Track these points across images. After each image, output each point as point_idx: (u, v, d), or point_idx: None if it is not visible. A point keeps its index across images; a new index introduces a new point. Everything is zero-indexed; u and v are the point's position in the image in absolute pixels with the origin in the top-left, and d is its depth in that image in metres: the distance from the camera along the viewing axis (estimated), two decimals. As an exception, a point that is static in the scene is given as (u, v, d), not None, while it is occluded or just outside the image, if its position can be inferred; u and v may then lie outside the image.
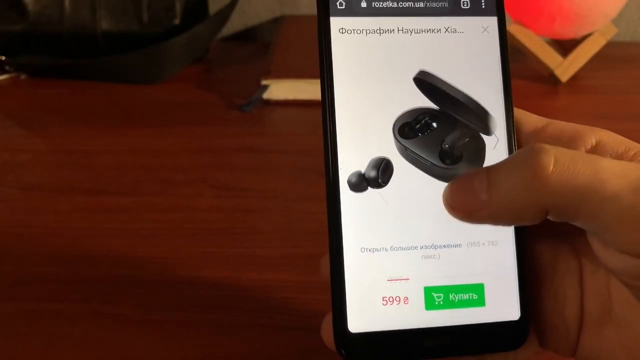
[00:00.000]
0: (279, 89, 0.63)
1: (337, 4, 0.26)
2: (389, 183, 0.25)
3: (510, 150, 0.25)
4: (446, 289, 0.25)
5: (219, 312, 0.35)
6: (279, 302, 0.36)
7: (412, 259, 0.25)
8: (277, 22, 0.86)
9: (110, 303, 0.36)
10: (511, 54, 0.27)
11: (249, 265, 0.39)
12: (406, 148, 0.25)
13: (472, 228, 0.23)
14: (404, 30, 0.26)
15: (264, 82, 0.63)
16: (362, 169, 0.25)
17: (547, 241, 0.26)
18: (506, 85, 0.26)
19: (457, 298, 0.25)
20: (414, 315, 0.25)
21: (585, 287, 0.25)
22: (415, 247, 0.25)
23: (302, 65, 0.65)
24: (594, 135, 0.24)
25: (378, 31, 0.26)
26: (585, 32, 0.69)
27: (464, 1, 0.26)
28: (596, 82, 0.69)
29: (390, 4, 0.26)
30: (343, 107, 0.25)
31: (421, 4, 0.26)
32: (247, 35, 0.90)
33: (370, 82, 0.26)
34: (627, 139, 0.24)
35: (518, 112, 0.26)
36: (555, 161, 0.21)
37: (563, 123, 0.25)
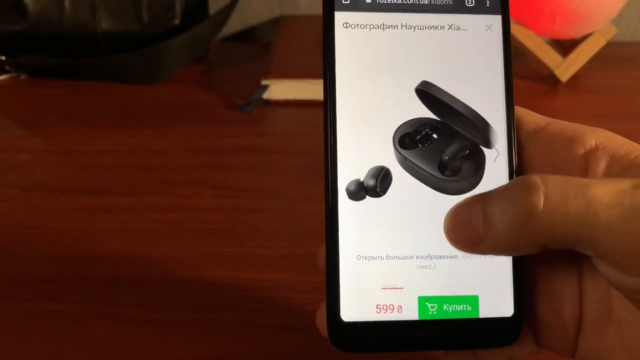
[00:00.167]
0: (279, 89, 0.63)
1: None
2: (387, 192, 0.25)
3: (510, 164, 0.25)
4: (440, 300, 0.25)
5: (219, 312, 0.35)
6: (279, 302, 0.36)
7: (407, 269, 0.25)
8: (277, 22, 0.86)
9: (110, 303, 0.36)
10: (511, 53, 0.27)
11: (249, 265, 0.39)
12: (406, 158, 0.25)
13: None
14: (407, 26, 0.26)
15: (264, 82, 0.63)
16: (361, 177, 0.25)
17: None
18: (508, 86, 0.26)
19: (450, 309, 0.25)
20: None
21: (585, 288, 0.25)
22: (411, 257, 0.25)
23: (302, 65, 0.65)
24: (594, 136, 0.24)
25: (381, 26, 0.26)
26: (585, 32, 0.69)
27: None
28: (596, 82, 0.69)
29: (395, 0, 0.26)
30: (344, 109, 0.25)
31: (425, 1, 0.26)
32: (247, 35, 0.90)
33: (372, 82, 0.26)
34: (628, 141, 0.24)
35: (520, 111, 0.26)
36: (546, 198, 0.20)
37: (565, 123, 0.25)
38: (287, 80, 0.63)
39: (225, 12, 0.74)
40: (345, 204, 0.25)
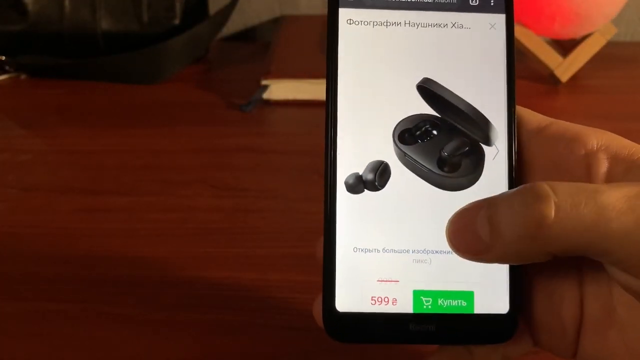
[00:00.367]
0: (279, 89, 0.63)
1: None
2: (386, 187, 0.25)
3: (509, 163, 0.25)
4: (435, 294, 0.25)
5: (219, 312, 0.35)
6: (279, 302, 0.36)
7: (403, 262, 0.25)
8: (277, 22, 0.86)
9: (110, 303, 0.36)
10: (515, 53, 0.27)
11: (249, 265, 0.39)
12: (405, 154, 0.25)
13: None
14: (410, 24, 0.26)
15: (264, 82, 0.63)
16: (360, 171, 0.25)
17: None
18: (510, 85, 0.26)
19: (445, 303, 0.25)
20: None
21: (585, 289, 0.25)
22: (407, 251, 0.25)
23: (302, 65, 0.65)
24: (596, 137, 0.24)
25: (385, 23, 0.26)
26: (585, 32, 0.69)
27: None
28: (596, 82, 0.69)
29: None
30: (346, 104, 0.26)
31: None
32: (247, 35, 0.90)
33: (374, 77, 0.26)
34: (630, 142, 0.24)
35: (521, 110, 0.26)
36: (557, 208, 0.20)
37: (567, 123, 0.25)
38: (287, 80, 0.63)
39: (225, 12, 0.74)
40: (343, 197, 0.25)
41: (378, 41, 0.26)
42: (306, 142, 0.54)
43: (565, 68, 0.67)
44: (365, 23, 0.26)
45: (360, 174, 0.25)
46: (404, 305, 0.25)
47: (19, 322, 0.34)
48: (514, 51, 0.26)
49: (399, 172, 0.25)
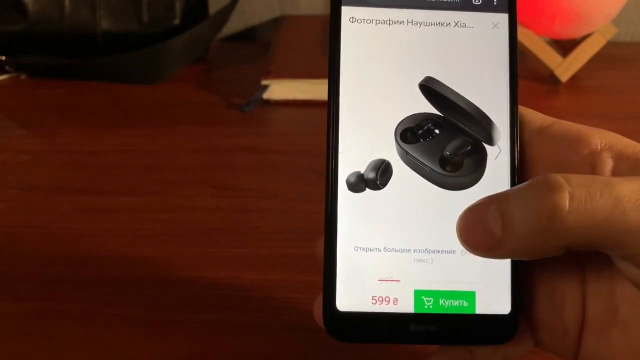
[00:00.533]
0: (279, 89, 0.63)
1: None
2: (388, 185, 0.25)
3: (512, 162, 0.25)
4: (436, 294, 0.25)
5: (219, 312, 0.35)
6: (279, 302, 0.36)
7: (404, 262, 0.25)
8: (277, 22, 0.86)
9: (110, 303, 0.36)
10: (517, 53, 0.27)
11: (249, 265, 0.39)
12: (407, 152, 0.25)
13: None
14: (413, 22, 0.26)
15: (264, 82, 0.63)
16: (362, 169, 0.25)
17: None
18: (512, 84, 0.26)
19: (447, 304, 0.25)
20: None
21: (588, 290, 0.25)
22: (409, 250, 0.25)
23: (302, 65, 0.65)
24: (599, 137, 0.24)
25: (387, 22, 0.26)
26: (585, 32, 0.69)
27: None
28: (596, 82, 0.69)
29: None
30: (348, 103, 0.26)
31: None
32: (247, 35, 0.90)
33: (376, 75, 0.26)
34: (633, 141, 0.24)
35: (524, 110, 0.26)
36: (571, 198, 0.20)
37: (569, 123, 0.25)
38: (287, 80, 0.63)
39: (225, 12, 0.74)
40: (345, 196, 0.25)
41: (380, 39, 0.26)
42: (306, 142, 0.54)
43: (565, 68, 0.67)
44: (368, 21, 0.26)
45: (361, 172, 0.25)
46: (405, 305, 0.25)
47: (19, 322, 0.34)
48: (517, 51, 0.26)
49: (401, 171, 0.25)
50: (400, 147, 0.25)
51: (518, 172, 0.25)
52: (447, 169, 0.26)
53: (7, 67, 0.70)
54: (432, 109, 0.26)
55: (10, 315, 0.35)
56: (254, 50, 0.80)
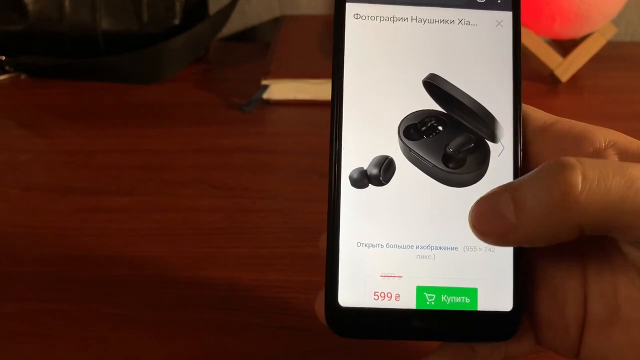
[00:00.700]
0: (279, 89, 0.63)
1: None
2: (390, 182, 0.25)
3: (515, 159, 0.25)
4: (439, 290, 0.25)
5: (219, 312, 0.35)
6: (279, 302, 0.36)
7: (406, 258, 0.25)
8: (277, 22, 0.86)
9: (110, 303, 0.36)
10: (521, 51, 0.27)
11: (249, 265, 0.39)
12: (410, 149, 0.25)
13: (470, 232, 0.23)
14: (417, 19, 0.26)
15: (264, 82, 0.63)
16: (365, 165, 0.25)
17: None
18: (516, 82, 0.26)
19: (449, 300, 0.25)
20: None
21: (590, 288, 0.25)
22: (411, 247, 0.25)
23: (302, 65, 0.65)
24: (602, 135, 0.24)
25: (392, 19, 0.26)
26: (585, 32, 0.69)
27: None
28: (596, 82, 0.69)
29: None
30: (351, 99, 0.26)
31: None
32: (247, 35, 0.90)
33: (380, 72, 0.26)
34: (636, 140, 0.24)
35: (527, 108, 0.26)
36: (584, 178, 0.20)
37: (572, 121, 0.25)
38: (287, 80, 0.63)
39: (225, 12, 0.74)
40: (347, 192, 0.25)
41: (384, 36, 0.26)
42: (306, 142, 0.55)
43: (565, 68, 0.67)
44: (372, 18, 0.26)
45: (364, 168, 0.25)
46: (407, 301, 0.25)
47: (19, 322, 0.34)
48: (521, 49, 0.26)
49: (404, 168, 0.25)
50: (404, 143, 0.25)
51: (521, 170, 0.25)
52: (450, 165, 0.26)
53: (7, 67, 0.70)
54: (435, 106, 0.26)
55: (10, 315, 0.35)
56: (254, 50, 0.80)
